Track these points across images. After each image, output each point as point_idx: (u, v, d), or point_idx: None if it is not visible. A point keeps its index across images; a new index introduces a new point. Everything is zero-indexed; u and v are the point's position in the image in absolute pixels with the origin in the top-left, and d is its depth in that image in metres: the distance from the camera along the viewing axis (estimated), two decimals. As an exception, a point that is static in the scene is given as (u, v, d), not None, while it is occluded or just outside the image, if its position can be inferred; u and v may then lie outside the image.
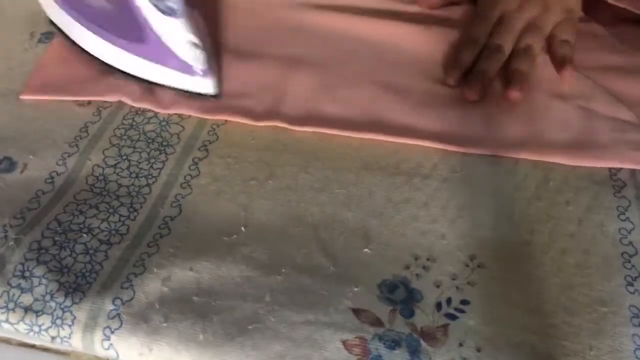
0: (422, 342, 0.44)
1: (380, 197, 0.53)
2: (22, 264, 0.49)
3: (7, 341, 0.54)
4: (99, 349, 0.45)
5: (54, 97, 0.61)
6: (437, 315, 0.46)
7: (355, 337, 0.44)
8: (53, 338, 0.46)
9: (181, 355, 0.44)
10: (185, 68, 0.56)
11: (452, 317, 0.46)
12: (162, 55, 0.56)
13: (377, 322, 0.45)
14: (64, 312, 0.46)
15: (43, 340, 0.46)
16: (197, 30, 0.55)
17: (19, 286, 0.47)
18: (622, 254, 0.49)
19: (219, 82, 0.58)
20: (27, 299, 0.47)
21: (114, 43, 0.58)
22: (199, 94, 0.58)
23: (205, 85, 0.57)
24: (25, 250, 0.49)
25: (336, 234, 0.50)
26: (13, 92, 0.62)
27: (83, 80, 0.61)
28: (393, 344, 0.44)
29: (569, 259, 0.48)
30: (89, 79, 0.61)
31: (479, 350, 0.44)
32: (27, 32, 0.68)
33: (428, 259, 0.49)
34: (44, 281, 0.48)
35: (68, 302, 0.46)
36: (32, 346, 0.53)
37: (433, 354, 0.44)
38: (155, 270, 0.48)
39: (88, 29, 0.59)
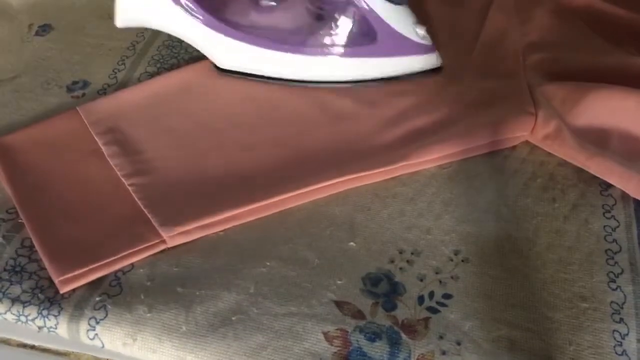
0: (403, 335, 0.44)
1: (367, 192, 0.53)
2: (14, 259, 0.49)
3: (7, 341, 0.54)
4: (84, 339, 0.46)
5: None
6: (419, 309, 0.46)
7: (337, 329, 0.45)
8: (40, 328, 0.46)
9: (164, 345, 0.44)
10: (418, 49, 0.59)
11: (434, 310, 0.46)
12: (397, 45, 0.58)
13: (358, 315, 0.46)
14: (51, 303, 0.46)
15: (30, 329, 0.47)
16: None
17: (9, 279, 0.48)
18: (606, 250, 0.49)
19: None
20: (15, 290, 0.47)
21: (346, 55, 0.59)
22: (428, 72, 0.60)
23: (434, 59, 0.60)
24: (17, 246, 0.50)
25: (322, 228, 0.51)
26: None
27: None
28: (373, 336, 0.44)
29: (552, 255, 0.49)
30: None
31: (458, 343, 0.44)
32: (26, 24, 0.69)
33: (412, 253, 0.49)
34: (34, 277, 0.48)
35: (58, 297, 0.47)
36: (32, 347, 0.54)
37: (413, 346, 0.44)
38: (141, 268, 0.48)
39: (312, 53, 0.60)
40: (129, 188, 0.52)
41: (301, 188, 0.52)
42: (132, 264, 0.49)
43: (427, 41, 0.59)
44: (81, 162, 0.55)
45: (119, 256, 0.48)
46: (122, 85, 0.63)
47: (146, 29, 0.68)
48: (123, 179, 0.53)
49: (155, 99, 0.60)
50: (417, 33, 0.58)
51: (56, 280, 0.47)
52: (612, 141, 0.52)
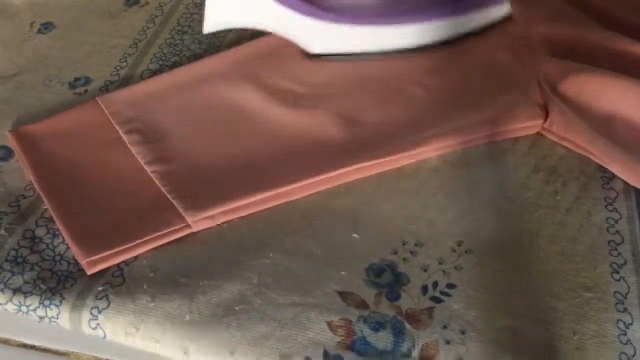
0: (406, 324, 0.44)
1: (371, 185, 0.53)
2: (16, 250, 0.49)
3: (7, 341, 0.54)
4: (86, 329, 0.45)
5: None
6: (423, 299, 0.46)
7: (340, 319, 0.45)
8: (41, 318, 0.46)
9: (167, 334, 0.44)
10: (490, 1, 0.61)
11: (438, 300, 0.46)
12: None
13: (362, 305, 0.45)
14: (53, 293, 0.46)
15: (31, 319, 0.47)
16: None
17: (10, 270, 0.48)
18: (608, 242, 0.49)
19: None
20: (17, 281, 0.47)
21: (429, 20, 0.61)
22: (498, 22, 0.63)
23: (504, 8, 0.62)
24: (19, 238, 0.50)
25: (326, 220, 0.51)
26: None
27: None
28: (377, 326, 0.44)
29: (555, 247, 0.49)
30: None
31: (462, 333, 0.44)
32: (28, 22, 0.69)
33: (416, 244, 0.49)
34: (36, 268, 0.48)
35: (60, 287, 0.47)
36: (32, 346, 0.53)
37: (417, 335, 0.44)
38: (144, 259, 0.48)
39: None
40: (152, 175, 0.53)
41: (315, 176, 0.52)
42: (136, 255, 0.49)
43: None
44: (103, 150, 0.55)
45: (145, 239, 0.48)
46: (125, 82, 0.63)
47: (149, 28, 0.68)
48: (145, 166, 0.53)
49: (175, 89, 0.60)
50: None
51: (83, 262, 0.47)
52: (616, 129, 0.53)
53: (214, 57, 0.63)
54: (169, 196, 0.51)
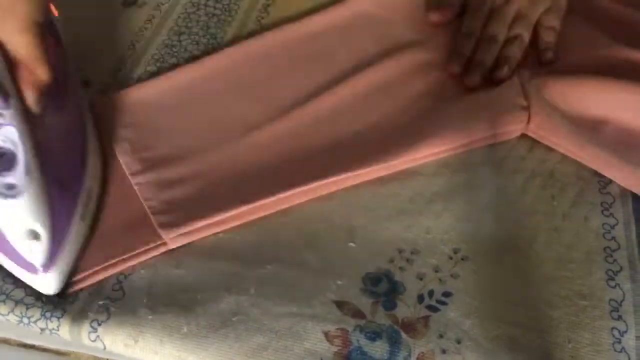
0: (403, 334, 0.45)
1: (366, 193, 0.53)
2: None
3: (7, 341, 0.55)
4: (86, 341, 0.46)
5: None
6: (419, 307, 0.46)
7: (337, 329, 0.45)
8: (42, 330, 0.47)
9: (165, 346, 0.45)
10: (21, 262, 0.46)
11: (434, 309, 0.46)
12: None
13: (359, 314, 0.46)
14: (54, 306, 0.47)
15: (33, 331, 0.47)
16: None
17: (13, 283, 0.48)
18: (604, 248, 0.49)
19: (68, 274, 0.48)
20: (19, 293, 0.48)
21: None
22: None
23: (46, 283, 0.46)
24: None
25: (321, 229, 0.51)
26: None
27: None
28: (374, 335, 0.45)
29: (551, 253, 0.49)
30: None
31: (458, 342, 0.44)
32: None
33: (412, 252, 0.49)
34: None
35: (62, 301, 0.47)
36: (32, 346, 0.54)
37: (413, 345, 0.44)
38: (143, 270, 0.49)
39: None
40: (135, 187, 0.53)
41: (300, 186, 0.52)
42: (134, 267, 0.49)
43: (37, 259, 0.45)
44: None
45: (119, 259, 0.48)
46: (122, 85, 0.63)
47: (146, 29, 0.68)
48: (130, 177, 0.53)
49: (171, 93, 0.60)
50: (23, 243, 0.45)
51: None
52: (605, 132, 0.53)
53: (212, 57, 0.63)
54: (148, 211, 0.51)
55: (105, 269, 0.48)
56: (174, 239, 0.49)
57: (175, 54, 0.66)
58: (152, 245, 0.49)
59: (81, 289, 0.48)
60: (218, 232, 0.51)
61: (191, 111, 0.59)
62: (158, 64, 0.65)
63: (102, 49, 0.67)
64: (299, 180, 0.52)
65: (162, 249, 0.49)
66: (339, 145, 0.56)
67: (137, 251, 0.49)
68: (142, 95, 0.60)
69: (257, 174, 0.54)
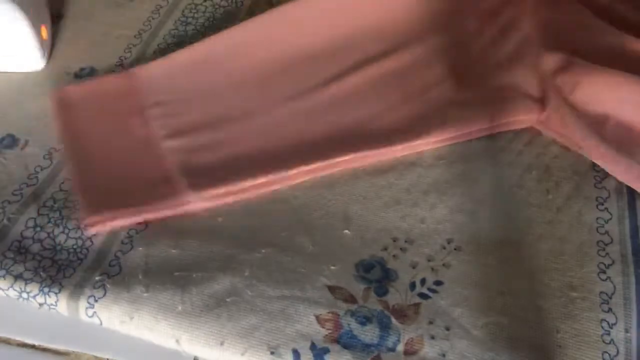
0: (393, 319, 0.45)
1: (363, 182, 0.54)
2: (19, 242, 0.50)
3: (7, 341, 0.55)
4: (83, 316, 0.47)
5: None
6: (410, 295, 0.47)
7: (328, 312, 0.46)
8: (40, 305, 0.48)
9: (160, 324, 0.46)
10: None
11: (425, 296, 0.47)
12: None
13: (350, 299, 0.46)
14: (52, 281, 0.48)
15: (31, 305, 0.48)
16: None
17: (13, 258, 0.49)
18: (597, 242, 0.50)
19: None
20: (18, 269, 0.49)
21: None
22: None
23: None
24: (22, 228, 0.51)
25: (317, 216, 0.52)
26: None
27: None
28: (364, 320, 0.45)
29: (544, 245, 0.49)
30: None
31: (447, 329, 0.45)
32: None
33: (406, 241, 0.50)
34: (37, 257, 0.49)
35: (60, 276, 0.48)
36: (32, 346, 0.55)
37: (403, 330, 0.45)
38: (141, 248, 0.50)
39: None
40: (166, 149, 0.55)
41: (309, 164, 0.54)
42: (132, 245, 0.50)
43: None
44: (126, 120, 0.58)
45: (143, 207, 0.51)
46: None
47: (154, 18, 0.69)
48: (160, 140, 0.56)
49: (204, 61, 0.62)
50: None
51: (84, 223, 0.50)
52: (608, 126, 0.53)
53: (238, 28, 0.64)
54: (176, 172, 0.53)
55: (123, 214, 0.50)
56: (196, 202, 0.52)
57: (181, 43, 0.67)
58: (175, 201, 0.51)
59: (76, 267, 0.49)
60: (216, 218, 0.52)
61: (217, 83, 0.61)
62: (164, 54, 0.66)
63: (109, 37, 0.68)
64: (314, 157, 0.54)
65: (185, 208, 0.51)
66: (348, 129, 0.57)
67: (161, 203, 0.51)
68: (180, 60, 0.62)
69: (275, 149, 0.55)
